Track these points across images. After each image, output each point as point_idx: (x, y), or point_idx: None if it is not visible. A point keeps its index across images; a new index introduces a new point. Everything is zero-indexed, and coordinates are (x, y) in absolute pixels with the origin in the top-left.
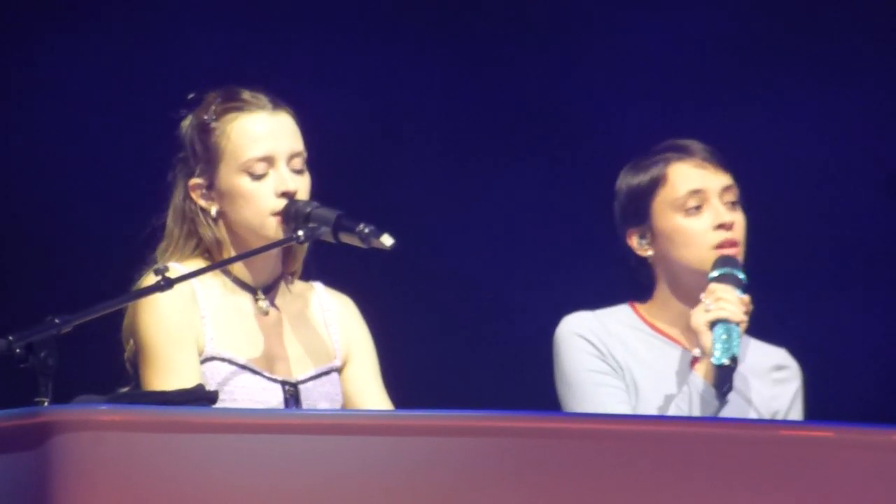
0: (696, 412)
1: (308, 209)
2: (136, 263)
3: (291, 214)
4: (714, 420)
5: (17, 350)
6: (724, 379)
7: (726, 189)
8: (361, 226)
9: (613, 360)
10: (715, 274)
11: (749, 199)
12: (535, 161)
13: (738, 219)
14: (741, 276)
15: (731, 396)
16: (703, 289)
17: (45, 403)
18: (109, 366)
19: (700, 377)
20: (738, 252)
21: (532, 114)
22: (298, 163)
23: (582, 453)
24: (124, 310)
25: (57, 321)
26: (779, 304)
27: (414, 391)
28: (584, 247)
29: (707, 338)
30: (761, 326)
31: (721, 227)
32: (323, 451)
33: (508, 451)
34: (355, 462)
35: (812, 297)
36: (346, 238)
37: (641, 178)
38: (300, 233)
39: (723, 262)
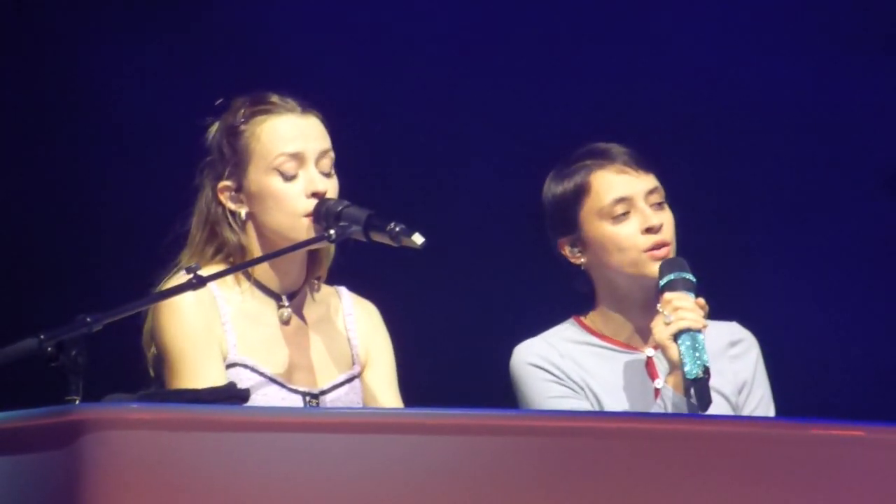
0: None
1: (339, 208)
2: (161, 265)
3: (322, 214)
4: (745, 419)
5: (48, 349)
6: (701, 392)
7: (651, 191)
8: (392, 224)
9: (571, 381)
10: (664, 281)
11: (752, 197)
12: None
13: (665, 219)
14: (689, 276)
15: None
16: (641, 291)
17: (76, 402)
18: (140, 364)
19: (671, 389)
20: (668, 251)
21: (543, 113)
22: (327, 165)
23: (607, 452)
24: (146, 314)
25: (88, 320)
26: (779, 303)
27: (435, 390)
28: None
29: (673, 351)
30: (763, 324)
31: (649, 230)
32: (353, 450)
33: (530, 449)
34: (387, 460)
35: (812, 296)
36: (377, 237)
37: (565, 187)
38: (331, 232)
39: (668, 266)
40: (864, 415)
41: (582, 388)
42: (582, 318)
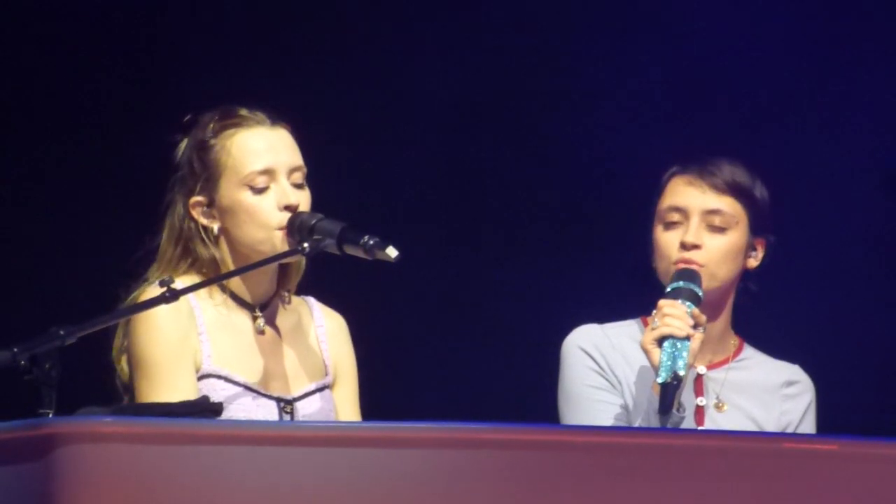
0: None
1: (313, 221)
2: (132, 279)
3: (296, 227)
4: (719, 433)
5: (21, 362)
6: (664, 397)
7: (711, 212)
8: (366, 238)
9: (613, 375)
10: (669, 288)
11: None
12: (541, 168)
13: (712, 243)
14: (696, 288)
15: (733, 414)
16: None
17: (49, 415)
18: (113, 377)
19: (656, 395)
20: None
21: (541, 118)
22: (299, 177)
23: (584, 466)
24: (116, 330)
25: (61, 332)
26: (778, 305)
27: (406, 403)
28: (589, 258)
29: (654, 356)
30: (765, 327)
31: (683, 245)
32: (327, 463)
33: (505, 463)
34: (360, 474)
35: (812, 298)
36: (350, 250)
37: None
38: (305, 245)
39: (678, 275)
40: (866, 416)
41: (621, 384)
42: (647, 319)
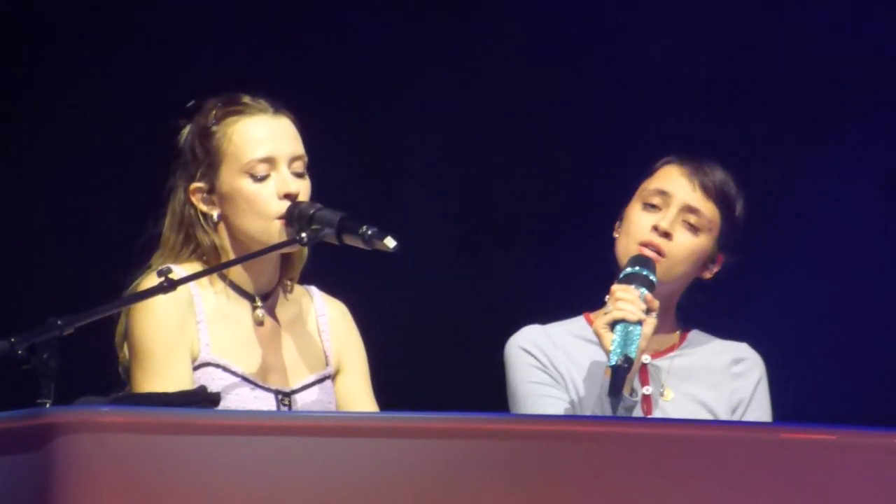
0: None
1: (311, 211)
2: (134, 267)
3: (295, 216)
4: (716, 423)
5: (20, 352)
6: (615, 379)
7: (692, 209)
8: (365, 227)
9: (556, 371)
10: (623, 273)
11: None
12: (537, 161)
13: (684, 240)
14: (650, 275)
15: (680, 400)
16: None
17: (48, 405)
18: (112, 367)
19: (608, 379)
20: (657, 260)
21: (535, 110)
22: (300, 166)
23: (580, 456)
24: (119, 315)
25: (59, 322)
26: (778, 305)
27: (409, 393)
28: (585, 250)
29: (607, 340)
30: (762, 326)
31: (655, 229)
32: (325, 453)
33: (500, 453)
34: (359, 464)
35: (812, 298)
36: (349, 240)
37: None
38: (303, 235)
39: (633, 261)
40: (869, 417)
41: (565, 380)
42: (591, 315)
